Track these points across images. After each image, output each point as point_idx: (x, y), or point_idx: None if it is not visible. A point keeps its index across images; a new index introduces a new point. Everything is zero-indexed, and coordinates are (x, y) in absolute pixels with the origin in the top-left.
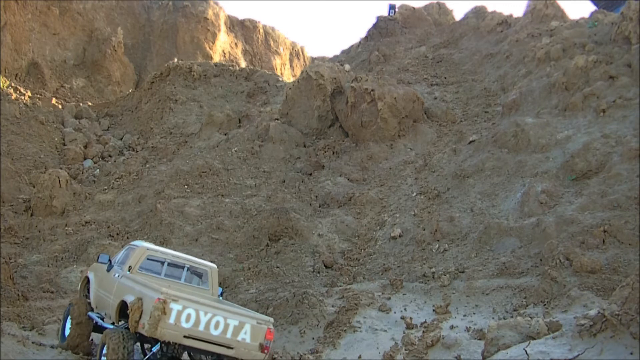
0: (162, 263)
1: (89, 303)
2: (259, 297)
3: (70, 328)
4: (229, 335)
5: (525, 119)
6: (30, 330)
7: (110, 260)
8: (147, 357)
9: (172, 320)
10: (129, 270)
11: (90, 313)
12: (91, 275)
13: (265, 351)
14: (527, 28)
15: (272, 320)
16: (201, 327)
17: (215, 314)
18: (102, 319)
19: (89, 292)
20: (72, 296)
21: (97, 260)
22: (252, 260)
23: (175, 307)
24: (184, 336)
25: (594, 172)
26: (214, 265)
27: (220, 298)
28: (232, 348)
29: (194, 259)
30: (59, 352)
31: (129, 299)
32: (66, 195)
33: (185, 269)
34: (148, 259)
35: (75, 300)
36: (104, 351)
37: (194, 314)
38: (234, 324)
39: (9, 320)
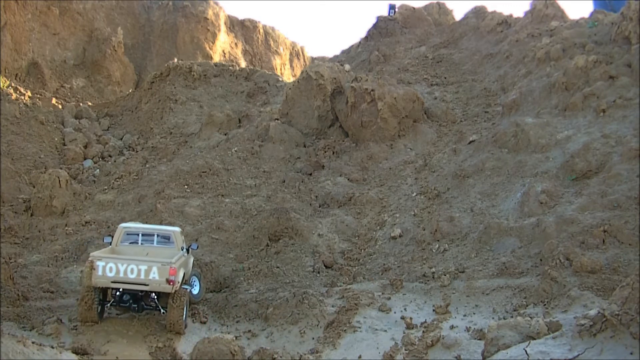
0: (138, 235)
1: None
2: (259, 297)
3: None
4: (142, 276)
5: (525, 119)
6: (30, 330)
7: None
8: (112, 299)
9: (100, 273)
10: (116, 245)
11: None
12: None
13: (171, 284)
14: (527, 28)
15: (173, 261)
16: (121, 274)
17: (129, 264)
18: None
19: None
20: (72, 296)
21: (103, 241)
22: (252, 260)
23: (100, 264)
24: (112, 282)
25: (594, 172)
26: (177, 229)
27: (184, 251)
28: (147, 285)
29: (161, 227)
30: (59, 352)
31: None
32: (66, 195)
33: (156, 235)
34: (127, 234)
35: None
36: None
37: (114, 266)
38: (144, 268)
39: (9, 320)
